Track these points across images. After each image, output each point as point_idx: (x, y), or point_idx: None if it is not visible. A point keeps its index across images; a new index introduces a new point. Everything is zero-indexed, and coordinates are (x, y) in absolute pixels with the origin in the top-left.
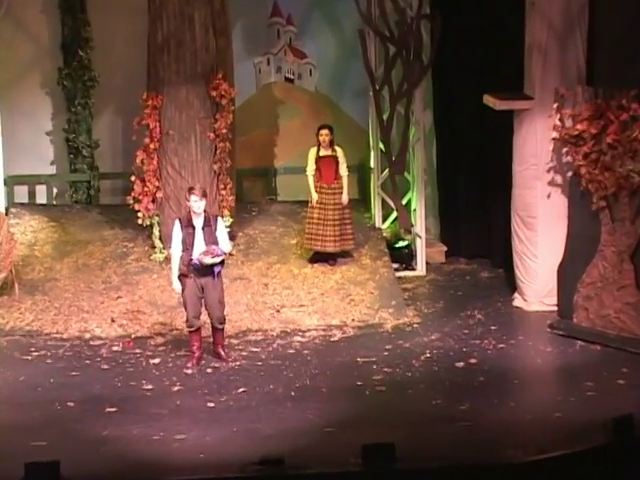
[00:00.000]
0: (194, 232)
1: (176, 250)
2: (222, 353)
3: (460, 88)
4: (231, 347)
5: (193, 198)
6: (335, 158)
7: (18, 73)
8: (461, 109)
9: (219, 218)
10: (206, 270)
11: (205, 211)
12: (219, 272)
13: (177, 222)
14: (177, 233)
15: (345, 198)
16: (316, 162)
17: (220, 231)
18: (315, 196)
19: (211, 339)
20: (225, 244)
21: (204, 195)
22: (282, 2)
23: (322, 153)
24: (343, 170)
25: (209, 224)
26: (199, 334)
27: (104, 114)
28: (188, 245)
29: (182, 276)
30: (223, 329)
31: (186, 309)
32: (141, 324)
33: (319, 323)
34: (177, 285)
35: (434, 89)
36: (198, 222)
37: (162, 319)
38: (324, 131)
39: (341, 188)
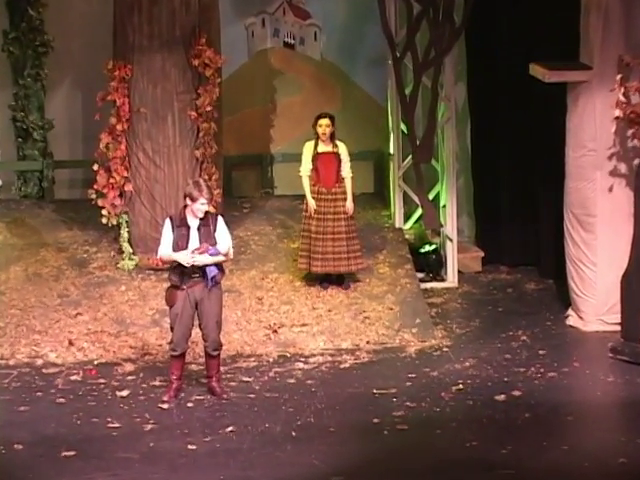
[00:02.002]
0: (188, 233)
1: (166, 253)
2: (217, 388)
3: (500, 55)
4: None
5: (201, 201)
6: (337, 155)
7: None
8: (502, 82)
9: (219, 217)
10: (199, 277)
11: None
12: (213, 278)
13: (168, 221)
14: (168, 234)
15: (350, 206)
16: (313, 160)
17: (220, 232)
18: (312, 203)
19: (192, 366)
20: (224, 246)
21: (212, 196)
22: None
23: (321, 149)
24: (346, 171)
25: (207, 223)
26: (182, 361)
27: (60, 87)
28: (181, 248)
29: (172, 288)
30: (219, 357)
31: (173, 328)
32: (106, 347)
33: (326, 346)
34: (182, 255)
35: (468, 57)
36: (194, 221)
37: (132, 341)
38: (324, 121)
39: (344, 193)
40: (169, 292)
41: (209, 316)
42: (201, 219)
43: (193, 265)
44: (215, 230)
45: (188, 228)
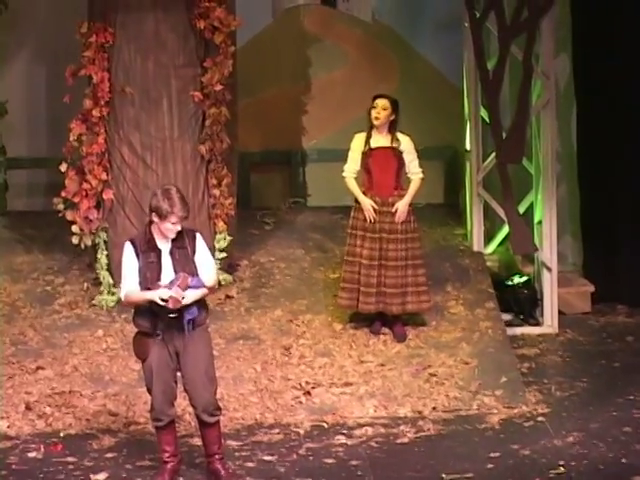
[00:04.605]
0: (159, 260)
1: (133, 289)
2: (222, 471)
3: (618, 17)
4: (229, 454)
5: (172, 220)
6: (397, 152)
7: None
8: (620, 52)
9: (198, 235)
10: (176, 318)
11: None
12: (192, 321)
13: (128, 246)
14: (130, 262)
15: (402, 209)
16: (364, 157)
17: (201, 256)
18: (369, 203)
19: (194, 440)
20: (208, 275)
21: (187, 212)
22: None
23: (375, 143)
24: (414, 170)
25: (182, 244)
26: (173, 432)
27: (16, 59)
28: (151, 280)
29: (142, 335)
30: (218, 424)
31: (150, 392)
32: (76, 414)
33: (377, 414)
34: (163, 290)
35: (574, 19)
36: (164, 243)
37: (112, 406)
38: (381, 102)
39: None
40: (138, 341)
41: (195, 369)
42: (174, 239)
43: (173, 303)
44: (194, 252)
45: (158, 253)
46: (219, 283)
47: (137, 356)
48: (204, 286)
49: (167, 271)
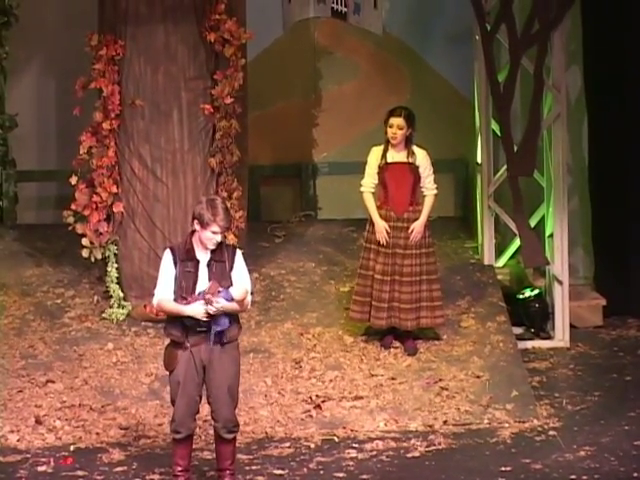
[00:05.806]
0: (197, 270)
1: (166, 297)
2: None
3: (630, 29)
4: (239, 468)
5: (214, 229)
6: (412, 167)
7: None
8: (632, 65)
9: (238, 252)
10: (207, 331)
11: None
12: (220, 334)
13: (168, 253)
14: (168, 271)
15: (418, 229)
16: (380, 172)
17: (238, 272)
18: (381, 225)
19: (205, 454)
20: (239, 290)
21: (229, 224)
22: None
23: (391, 158)
24: (428, 186)
25: (221, 258)
26: (189, 446)
27: (26, 71)
28: (186, 290)
29: (172, 346)
30: (234, 442)
31: (174, 402)
32: (86, 428)
33: (388, 428)
34: (196, 307)
35: (585, 32)
36: (203, 254)
37: (122, 419)
38: (395, 120)
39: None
40: (168, 352)
41: (220, 385)
42: (213, 251)
43: (207, 309)
44: (232, 268)
45: (196, 263)
46: None
47: (165, 367)
48: (233, 299)
49: (202, 282)
